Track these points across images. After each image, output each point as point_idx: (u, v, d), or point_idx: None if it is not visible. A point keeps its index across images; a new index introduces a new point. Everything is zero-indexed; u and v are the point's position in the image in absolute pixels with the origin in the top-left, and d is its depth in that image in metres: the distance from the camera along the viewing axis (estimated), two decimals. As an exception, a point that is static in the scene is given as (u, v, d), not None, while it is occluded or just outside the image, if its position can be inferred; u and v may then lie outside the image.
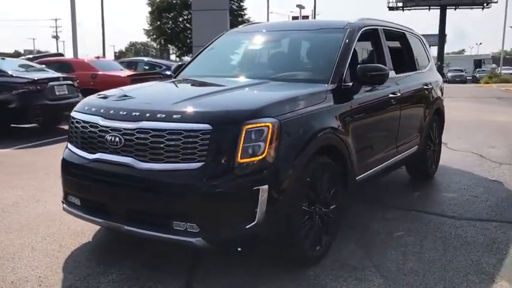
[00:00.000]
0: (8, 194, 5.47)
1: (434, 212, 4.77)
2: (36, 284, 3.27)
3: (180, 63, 5.18)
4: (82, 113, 3.53)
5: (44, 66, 11.71)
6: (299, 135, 3.26)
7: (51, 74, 10.44)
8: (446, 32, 56.75)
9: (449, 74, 51.84)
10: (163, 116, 3.11)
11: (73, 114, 3.62)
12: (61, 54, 21.14)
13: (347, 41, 4.25)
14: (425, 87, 5.57)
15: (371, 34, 4.80)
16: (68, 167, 3.54)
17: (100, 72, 12.64)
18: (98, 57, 14.87)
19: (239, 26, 5.37)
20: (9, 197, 5.34)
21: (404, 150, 5.08)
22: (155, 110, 3.17)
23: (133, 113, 3.21)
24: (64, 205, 3.63)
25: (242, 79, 4.22)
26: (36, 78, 9.54)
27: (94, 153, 3.37)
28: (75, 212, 3.52)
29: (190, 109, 3.16)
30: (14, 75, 9.64)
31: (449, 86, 38.29)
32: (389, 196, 5.30)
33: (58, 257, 3.70)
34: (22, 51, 72.72)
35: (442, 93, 6.32)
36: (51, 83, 9.79)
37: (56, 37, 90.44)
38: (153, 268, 3.47)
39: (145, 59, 18.58)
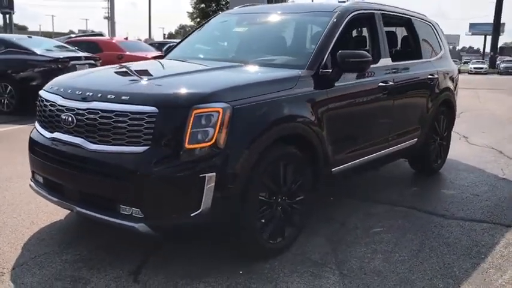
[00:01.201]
0: (6, 169, 5.58)
1: (425, 210, 4.51)
2: (-9, 260, 3.30)
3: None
4: (47, 91, 3.51)
5: (71, 46, 11.92)
6: (256, 122, 3.11)
7: (74, 53, 10.63)
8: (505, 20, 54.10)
9: (502, 65, 49.58)
10: (113, 96, 3.04)
11: (40, 92, 3.61)
12: (101, 35, 21.58)
13: (333, 25, 4.03)
14: (430, 76, 5.24)
15: (366, 18, 4.55)
16: (32, 145, 3.54)
17: (127, 53, 12.79)
18: (126, 38, 15.05)
19: (234, 8, 5.20)
20: (6, 172, 5.45)
21: (399, 143, 4.82)
22: (107, 91, 3.10)
23: (87, 93, 3.15)
24: (31, 183, 3.64)
25: (218, 62, 4.08)
26: (58, 57, 9.74)
27: (52, 132, 3.34)
28: (39, 191, 3.52)
29: (138, 91, 3.07)
30: (39, 53, 9.87)
31: (499, 78, 36.70)
32: (383, 191, 5.06)
33: (24, 234, 3.73)
34: (76, 31, 75.13)
35: (454, 83, 5.96)
36: (73, 62, 9.98)
37: (108, 18, 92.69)
38: (110, 251, 3.44)
39: (178, 41, 18.60)
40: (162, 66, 4.33)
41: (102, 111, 3.02)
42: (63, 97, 3.29)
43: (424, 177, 5.67)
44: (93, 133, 3.05)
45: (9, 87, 9.70)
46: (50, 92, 3.45)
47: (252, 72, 3.77)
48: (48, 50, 10.47)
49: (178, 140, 2.88)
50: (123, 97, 3.00)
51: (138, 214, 2.96)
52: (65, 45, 11.75)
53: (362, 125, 4.25)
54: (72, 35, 21.50)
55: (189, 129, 2.88)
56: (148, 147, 2.90)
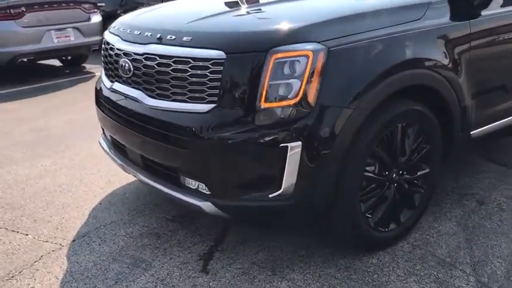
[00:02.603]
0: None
1: None
2: (54, 225, 2.92)
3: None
4: (109, 32, 2.91)
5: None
6: (362, 70, 2.21)
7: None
8: None
9: None
10: (173, 38, 2.33)
11: (105, 33, 3.02)
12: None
13: None
14: None
15: None
16: (97, 96, 3.02)
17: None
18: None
19: None
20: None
21: None
22: (167, 30, 2.39)
23: (146, 33, 2.48)
24: (100, 139, 3.16)
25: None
26: None
27: (113, 81, 2.77)
28: (106, 149, 3.03)
29: (202, 29, 2.31)
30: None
31: None
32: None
33: (96, 195, 3.33)
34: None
35: None
36: None
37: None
38: (184, 225, 2.88)
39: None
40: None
41: (160, 56, 2.33)
42: (121, 39, 2.66)
43: None
44: (151, 85, 2.40)
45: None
46: (111, 33, 2.85)
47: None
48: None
49: (251, 96, 2.12)
50: (184, 38, 2.28)
51: (204, 190, 2.30)
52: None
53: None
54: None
55: (266, 82, 2.09)
56: (214, 105, 2.18)
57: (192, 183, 2.35)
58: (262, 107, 2.12)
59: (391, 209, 2.56)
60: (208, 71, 2.16)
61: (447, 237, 2.69)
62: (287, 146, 2.10)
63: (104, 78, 2.93)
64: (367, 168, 2.38)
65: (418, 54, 2.40)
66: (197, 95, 2.22)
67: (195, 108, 2.23)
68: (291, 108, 2.10)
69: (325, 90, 2.11)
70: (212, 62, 2.15)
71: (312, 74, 2.09)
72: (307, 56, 2.08)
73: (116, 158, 2.87)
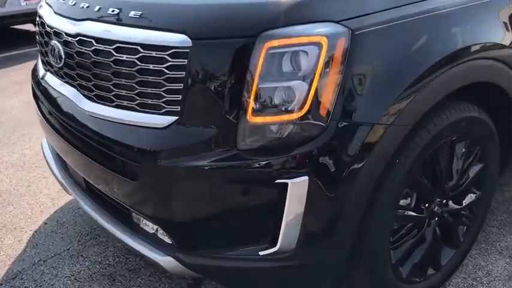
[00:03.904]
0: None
1: None
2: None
3: None
4: (45, 2, 2.10)
5: None
6: (404, 62, 1.45)
7: None
8: None
9: None
10: (115, 12, 1.55)
11: (41, 2, 2.22)
12: None
13: None
14: None
15: None
16: (33, 87, 2.24)
17: None
18: None
19: None
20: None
21: None
22: (109, 2, 1.60)
23: (82, 4, 1.69)
24: (43, 141, 2.41)
25: None
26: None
27: (45, 70, 2.00)
28: (46, 156, 2.28)
29: (157, 1, 1.52)
30: None
31: None
32: None
33: (43, 211, 2.60)
34: None
35: None
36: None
37: None
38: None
39: None
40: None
41: (97, 40, 1.56)
42: (54, 11, 1.87)
43: None
44: (88, 81, 1.63)
45: None
46: (46, 3, 2.05)
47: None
48: None
49: (232, 105, 1.37)
50: (132, 13, 1.50)
51: (165, 236, 1.58)
52: None
53: None
54: None
55: (254, 84, 1.34)
56: (175, 117, 1.43)
57: (149, 225, 1.63)
58: (248, 122, 1.37)
59: (430, 252, 1.85)
60: (165, 65, 1.40)
61: (501, 283, 1.99)
62: (286, 183, 1.36)
63: (39, 64, 2.15)
64: (401, 203, 1.65)
65: (485, 37, 1.63)
66: (150, 101, 1.46)
67: (148, 121, 1.48)
68: (293, 124, 1.36)
69: (346, 97, 1.36)
70: (171, 52, 1.39)
71: (326, 73, 1.33)
72: (319, 45, 1.32)
73: (56, 173, 2.12)
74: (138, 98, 1.48)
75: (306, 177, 1.36)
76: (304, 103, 1.34)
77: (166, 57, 1.39)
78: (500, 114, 1.85)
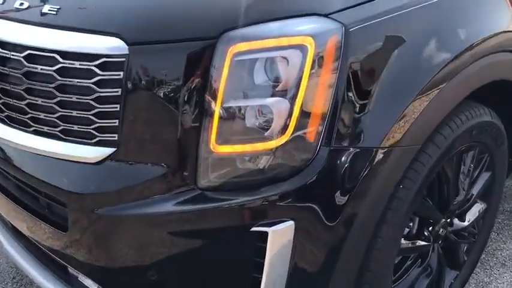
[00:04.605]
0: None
1: None
2: None
3: None
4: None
5: None
6: (415, 65, 1.11)
7: None
8: None
9: None
10: (26, 5, 1.14)
11: None
12: None
13: None
14: None
15: None
16: None
17: None
18: None
19: None
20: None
21: None
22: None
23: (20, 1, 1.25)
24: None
25: None
26: None
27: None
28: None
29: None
30: None
31: None
32: None
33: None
34: None
35: None
36: None
37: None
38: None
39: None
40: None
41: (3, 44, 1.15)
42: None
43: None
44: (20, 99, 1.22)
45: None
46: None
47: None
48: None
49: (189, 131, 1.01)
50: (47, 8, 1.09)
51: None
52: None
53: None
54: None
55: (217, 103, 0.98)
56: (112, 149, 1.05)
57: (88, 283, 1.26)
58: (212, 153, 1.01)
59: (433, 279, 1.56)
60: (94, 80, 1.02)
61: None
62: (265, 232, 1.02)
63: None
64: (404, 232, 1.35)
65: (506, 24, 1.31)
66: (77, 127, 1.08)
67: (76, 154, 1.10)
68: (272, 154, 1.01)
69: (340, 116, 1.02)
70: (101, 61, 1.01)
71: (313, 85, 0.98)
72: (302, 48, 0.97)
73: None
74: (60, 123, 1.10)
75: (292, 223, 1.03)
76: (285, 126, 1.00)
77: (95, 69, 1.01)
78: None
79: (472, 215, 1.61)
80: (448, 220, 1.52)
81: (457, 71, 1.18)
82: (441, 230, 1.49)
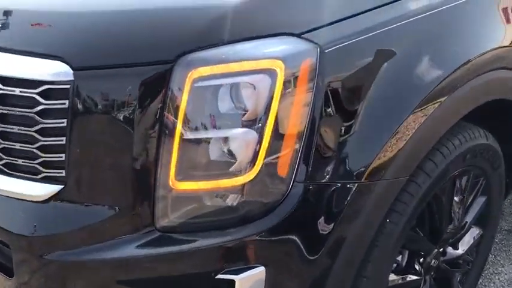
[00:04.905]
0: None
1: None
2: None
3: None
4: None
5: None
6: (402, 86, 1.00)
7: None
8: None
9: None
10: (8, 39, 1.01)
11: None
12: None
13: None
14: None
15: None
16: None
17: None
18: None
19: None
20: None
21: None
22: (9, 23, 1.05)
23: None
24: None
25: None
26: None
27: None
28: None
29: (22, 7, 1.00)
30: None
31: None
32: None
33: None
34: None
35: None
36: None
37: None
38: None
39: None
40: None
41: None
42: None
43: None
44: None
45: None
46: None
47: None
48: None
49: (145, 165, 0.89)
50: (12, 41, 0.96)
51: None
52: None
53: None
54: None
55: (176, 135, 0.86)
56: (60, 186, 0.93)
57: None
58: (172, 190, 0.89)
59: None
60: (36, 110, 0.90)
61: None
62: (232, 281, 0.90)
63: None
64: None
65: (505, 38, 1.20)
66: (21, 161, 0.96)
67: (21, 191, 0.98)
68: (240, 191, 0.89)
69: (317, 147, 0.90)
70: (43, 89, 0.89)
71: (285, 114, 0.87)
72: (271, 73, 0.85)
73: None
74: (3, 156, 0.97)
75: (262, 269, 0.91)
76: (254, 160, 0.88)
77: (37, 97, 0.89)
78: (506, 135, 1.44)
79: (466, 242, 1.50)
80: (441, 250, 1.41)
81: (449, 92, 1.07)
82: (433, 261, 1.38)
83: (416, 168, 1.08)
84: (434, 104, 1.03)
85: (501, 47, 1.18)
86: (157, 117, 0.87)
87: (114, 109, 0.88)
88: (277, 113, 0.86)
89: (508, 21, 1.18)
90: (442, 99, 1.05)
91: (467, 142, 1.23)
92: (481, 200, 1.47)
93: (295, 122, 0.88)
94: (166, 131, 0.87)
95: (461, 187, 1.36)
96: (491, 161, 1.38)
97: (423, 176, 1.11)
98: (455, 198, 1.36)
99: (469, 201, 1.42)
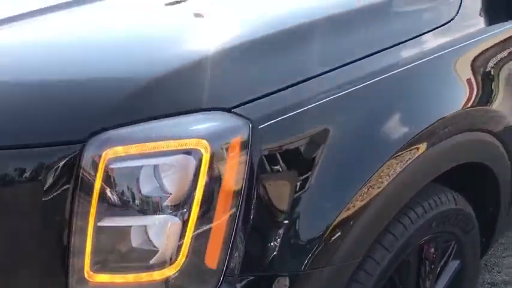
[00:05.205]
0: None
1: None
2: None
3: None
4: None
5: None
6: (350, 157, 0.90)
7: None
8: None
9: None
10: None
11: None
12: None
13: None
14: None
15: None
16: None
17: None
18: None
19: None
20: None
21: None
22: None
23: None
24: None
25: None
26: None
27: None
28: None
29: None
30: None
31: None
32: None
33: None
34: None
35: None
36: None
37: None
38: None
39: None
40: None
41: None
42: None
43: None
44: None
45: None
46: None
47: None
48: None
49: (54, 257, 0.78)
50: None
51: None
52: None
53: None
54: None
55: (90, 223, 0.76)
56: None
57: None
58: (87, 283, 0.79)
59: None
60: None
61: None
62: None
63: None
64: None
65: (470, 98, 1.10)
66: None
67: None
68: (162, 286, 0.78)
69: (250, 234, 0.80)
70: None
71: (212, 198, 0.77)
72: (195, 153, 0.76)
73: None
74: None
75: None
76: (178, 251, 0.77)
77: None
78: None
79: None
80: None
81: (409, 161, 0.97)
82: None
83: (374, 242, 0.98)
84: (389, 175, 0.94)
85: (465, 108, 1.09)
86: (68, 201, 0.77)
87: (18, 191, 0.78)
88: (202, 198, 0.76)
89: (469, 81, 1.09)
90: (399, 169, 0.95)
91: (433, 210, 1.12)
92: (453, 264, 1.36)
93: (225, 207, 0.78)
94: (79, 218, 0.76)
95: (429, 255, 1.25)
96: (461, 225, 1.28)
97: (382, 251, 1.01)
98: (423, 267, 1.25)
99: (439, 267, 1.32)
